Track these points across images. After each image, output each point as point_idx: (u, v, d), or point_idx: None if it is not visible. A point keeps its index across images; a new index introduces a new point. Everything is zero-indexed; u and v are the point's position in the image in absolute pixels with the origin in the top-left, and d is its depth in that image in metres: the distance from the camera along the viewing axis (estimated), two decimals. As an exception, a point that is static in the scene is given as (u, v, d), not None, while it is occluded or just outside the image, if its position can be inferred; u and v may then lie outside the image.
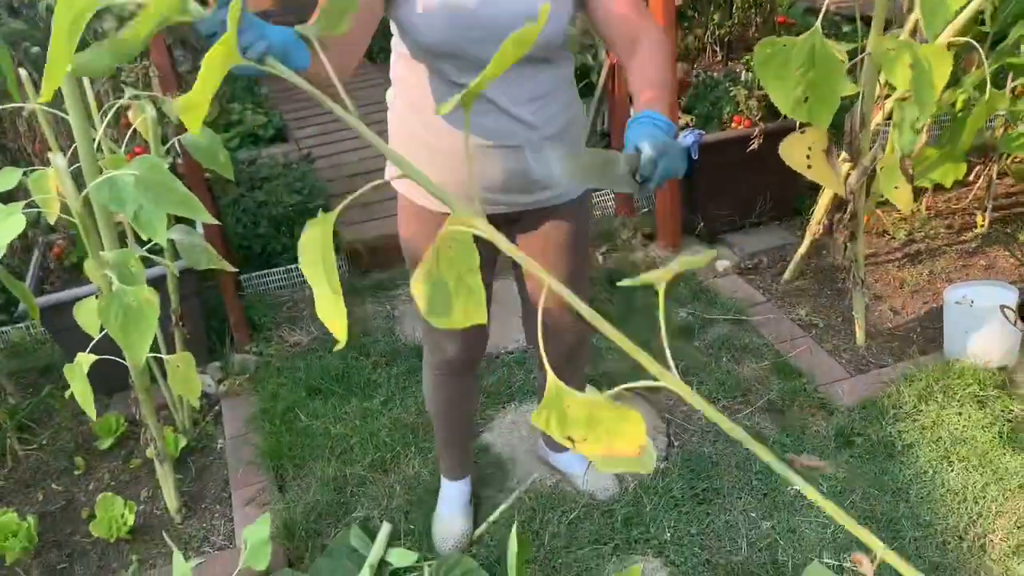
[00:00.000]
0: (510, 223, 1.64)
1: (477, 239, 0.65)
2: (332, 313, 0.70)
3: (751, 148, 2.76)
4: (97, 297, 1.80)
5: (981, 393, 2.18)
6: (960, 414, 2.13)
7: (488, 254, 1.67)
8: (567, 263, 1.68)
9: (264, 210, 3.18)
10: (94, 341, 1.79)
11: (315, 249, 0.70)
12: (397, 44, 1.49)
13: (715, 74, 3.28)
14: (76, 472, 2.33)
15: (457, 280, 0.70)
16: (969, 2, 1.97)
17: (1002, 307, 2.18)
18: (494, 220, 1.64)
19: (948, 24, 2.04)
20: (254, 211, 3.20)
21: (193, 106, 0.70)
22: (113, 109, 1.87)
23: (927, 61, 1.68)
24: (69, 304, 1.88)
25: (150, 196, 1.54)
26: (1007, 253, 2.81)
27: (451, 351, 1.76)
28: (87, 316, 1.81)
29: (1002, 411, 2.13)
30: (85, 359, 1.79)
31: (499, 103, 1.43)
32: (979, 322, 2.24)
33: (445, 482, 2.04)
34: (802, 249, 2.76)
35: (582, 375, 2.00)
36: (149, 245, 2.04)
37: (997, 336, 2.23)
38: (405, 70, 1.49)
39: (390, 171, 1.62)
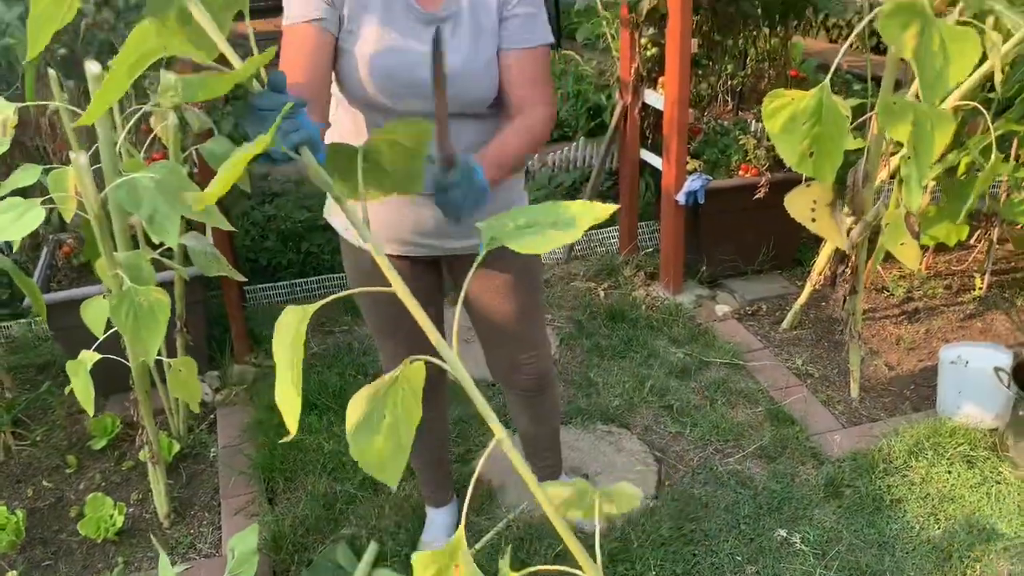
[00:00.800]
0: (453, 263, 1.68)
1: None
2: (287, 404, 0.73)
3: (757, 196, 2.81)
4: (105, 297, 1.83)
5: (971, 453, 2.19)
6: (950, 472, 2.15)
7: (430, 287, 1.71)
8: (513, 302, 1.69)
9: (273, 224, 3.22)
10: (98, 342, 1.81)
11: (287, 334, 0.72)
12: (335, 90, 1.52)
13: (725, 122, 3.33)
14: (68, 470, 2.33)
15: (391, 427, 0.72)
16: (970, 75, 2.01)
17: (996, 369, 2.21)
18: (435, 261, 1.69)
19: (947, 96, 2.09)
20: (263, 224, 3.24)
21: (210, 198, 0.74)
22: (137, 115, 1.91)
23: (930, 121, 1.72)
24: (75, 303, 1.91)
25: (167, 199, 1.57)
26: (1004, 317, 2.84)
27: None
28: (94, 315, 1.84)
29: (991, 472, 2.14)
30: (89, 356, 1.81)
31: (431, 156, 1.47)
32: (973, 383, 2.26)
33: (429, 509, 2.05)
34: (802, 299, 2.79)
35: (553, 413, 1.99)
36: (160, 249, 2.07)
37: (990, 398, 2.25)
38: (342, 114, 1.53)
39: (328, 209, 1.70)
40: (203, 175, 2.41)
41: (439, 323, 1.83)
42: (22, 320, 2.98)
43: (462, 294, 0.86)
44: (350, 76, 1.43)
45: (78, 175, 1.66)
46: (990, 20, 2.04)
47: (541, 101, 1.49)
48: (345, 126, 1.54)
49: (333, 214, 1.67)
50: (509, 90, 1.48)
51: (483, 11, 1.45)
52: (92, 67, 1.64)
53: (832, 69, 1.86)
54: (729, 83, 3.90)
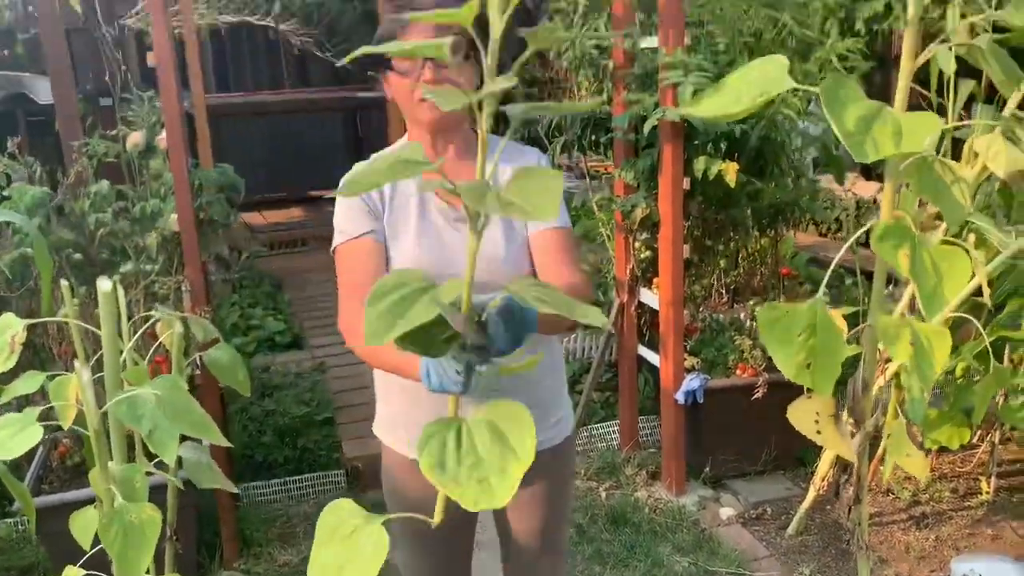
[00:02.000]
0: None
1: None
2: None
3: (755, 397, 2.81)
4: (95, 507, 1.79)
5: (995, 677, 2.07)
6: None
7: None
8: (540, 517, 1.67)
9: (271, 419, 3.20)
10: (85, 556, 1.75)
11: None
12: None
13: (722, 316, 3.39)
14: None
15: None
16: (964, 288, 2.07)
17: (1012, 584, 2.13)
18: None
19: (944, 310, 2.14)
20: (261, 419, 3.23)
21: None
22: (145, 325, 1.95)
23: (927, 339, 1.75)
24: (65, 507, 1.87)
25: (168, 416, 1.57)
26: (1015, 523, 2.77)
27: None
28: (83, 526, 1.78)
29: None
30: (73, 573, 1.75)
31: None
32: (989, 598, 2.17)
33: None
34: (806, 504, 2.73)
35: None
36: (157, 460, 2.05)
37: (1009, 614, 2.16)
38: None
39: (377, 425, 1.72)
40: (205, 381, 2.42)
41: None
42: (8, 520, 2.90)
43: None
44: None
45: (80, 390, 1.67)
46: (971, 237, 2.12)
47: (573, 280, 1.51)
48: None
49: (385, 430, 1.68)
50: (542, 272, 1.53)
51: None
52: (103, 284, 1.68)
53: (824, 281, 1.92)
54: (724, 280, 4.01)
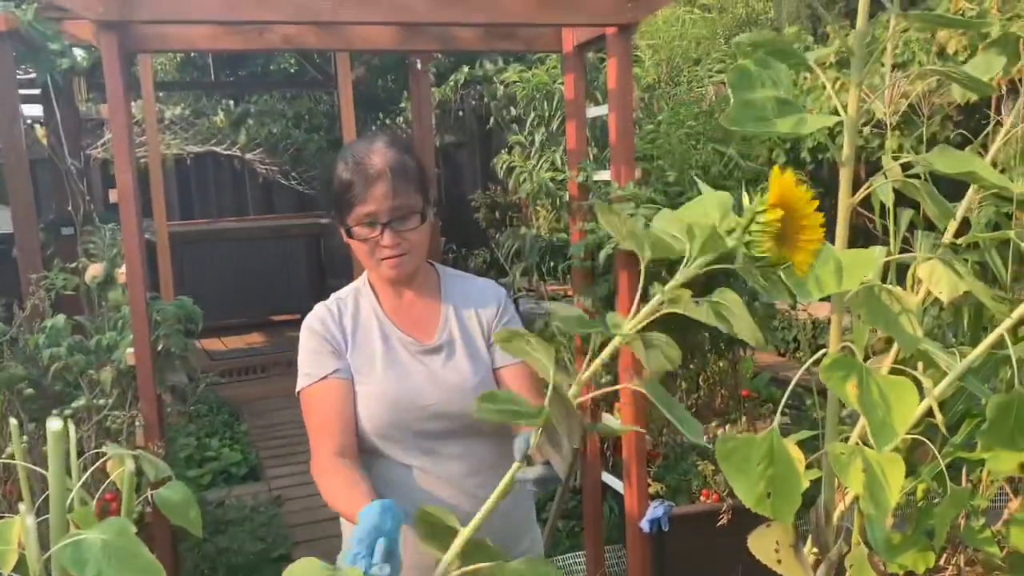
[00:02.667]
0: None
1: None
2: None
3: (720, 523, 2.79)
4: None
5: None
6: None
7: None
8: None
9: (224, 557, 3.09)
10: None
11: None
12: None
13: (685, 440, 3.39)
14: None
15: None
16: (912, 418, 2.11)
17: None
18: None
19: (895, 441, 2.17)
20: (213, 558, 3.12)
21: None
22: (94, 465, 1.90)
23: (880, 467, 1.76)
24: (0, 666, 1.76)
25: (114, 563, 1.52)
26: (988, 648, 2.72)
27: None
28: None
29: None
30: None
31: (445, 477, 1.55)
32: None
33: None
34: (777, 636, 2.66)
35: None
36: (100, 605, 1.96)
37: None
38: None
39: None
40: (156, 519, 2.35)
41: None
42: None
43: None
44: (362, 412, 1.54)
45: (24, 535, 1.61)
46: (920, 364, 2.18)
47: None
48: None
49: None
50: None
51: (472, 337, 1.62)
52: (52, 424, 1.65)
53: (779, 409, 1.94)
54: (685, 402, 4.03)
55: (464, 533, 1.01)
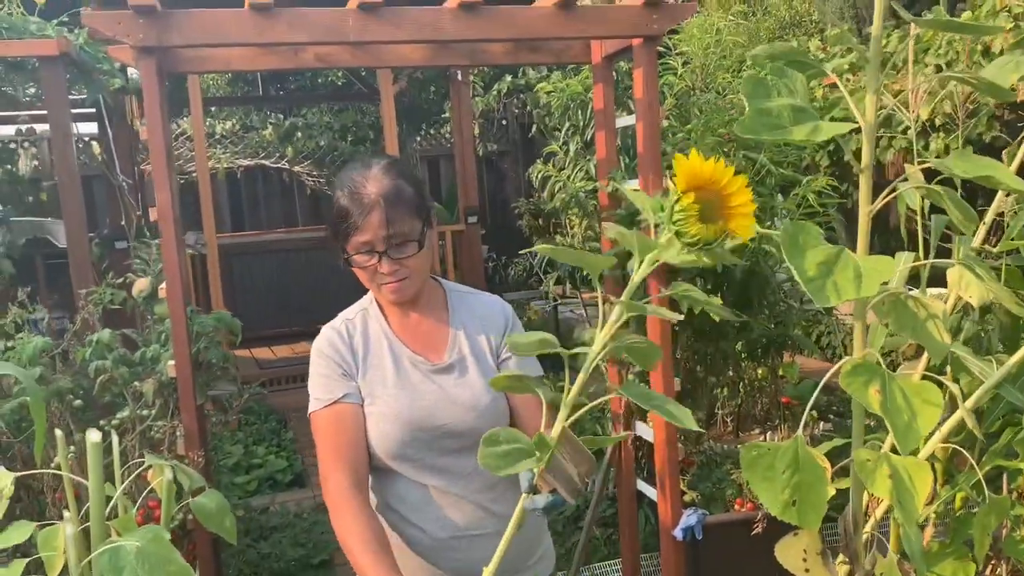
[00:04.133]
0: None
1: None
2: None
3: (755, 532, 2.77)
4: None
5: None
6: None
7: None
8: None
9: (266, 563, 3.17)
10: None
11: None
12: None
13: (724, 447, 3.38)
14: None
15: None
16: (943, 422, 2.08)
17: None
18: None
19: (920, 446, 2.14)
20: (257, 563, 3.19)
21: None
22: (135, 473, 1.97)
23: (907, 473, 1.74)
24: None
25: (148, 567, 1.58)
26: (1034, 661, 2.66)
27: None
28: None
29: None
30: None
31: (459, 494, 1.54)
32: None
33: None
34: (813, 643, 2.63)
35: None
36: (141, 608, 2.03)
37: None
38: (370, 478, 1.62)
39: None
40: (198, 525, 2.42)
41: None
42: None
43: None
44: (374, 433, 1.55)
45: (65, 543, 1.68)
46: (949, 370, 2.14)
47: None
48: (371, 486, 1.61)
49: None
50: (519, 423, 1.60)
51: (483, 355, 1.63)
52: (92, 435, 1.72)
53: (804, 419, 1.94)
54: (726, 408, 4.01)
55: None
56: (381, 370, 1.57)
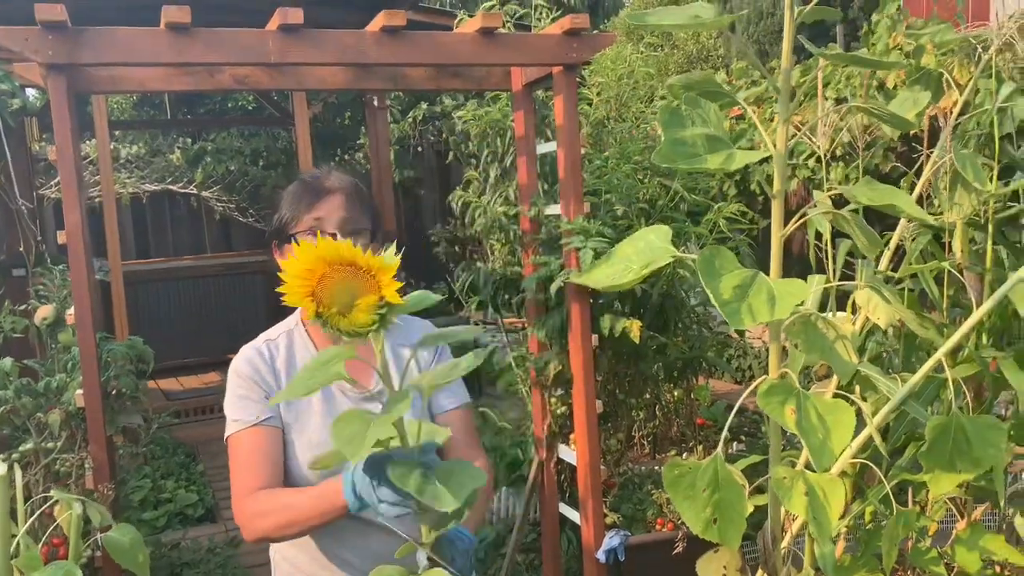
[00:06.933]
0: None
1: None
2: None
3: (675, 552, 2.81)
4: None
5: None
6: None
7: None
8: None
9: (179, 602, 3.04)
10: None
11: None
12: None
13: (643, 468, 3.43)
14: None
15: None
16: (856, 435, 2.17)
17: None
18: None
19: (834, 463, 2.23)
20: (168, 602, 3.06)
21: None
22: (40, 510, 1.88)
23: (821, 490, 1.81)
24: None
25: (58, 608, 1.50)
26: (939, 668, 2.76)
27: None
28: None
29: None
30: None
31: (382, 523, 1.51)
32: None
33: None
34: (733, 660, 2.68)
35: None
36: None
37: None
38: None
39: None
40: (106, 563, 2.32)
41: None
42: None
43: None
44: (295, 462, 1.50)
45: (-35, 584, 1.59)
46: (857, 387, 2.24)
47: (476, 457, 1.61)
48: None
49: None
50: (445, 451, 1.56)
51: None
52: (-2, 468, 1.64)
53: (723, 438, 1.99)
54: (643, 431, 4.08)
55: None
56: (310, 401, 1.52)
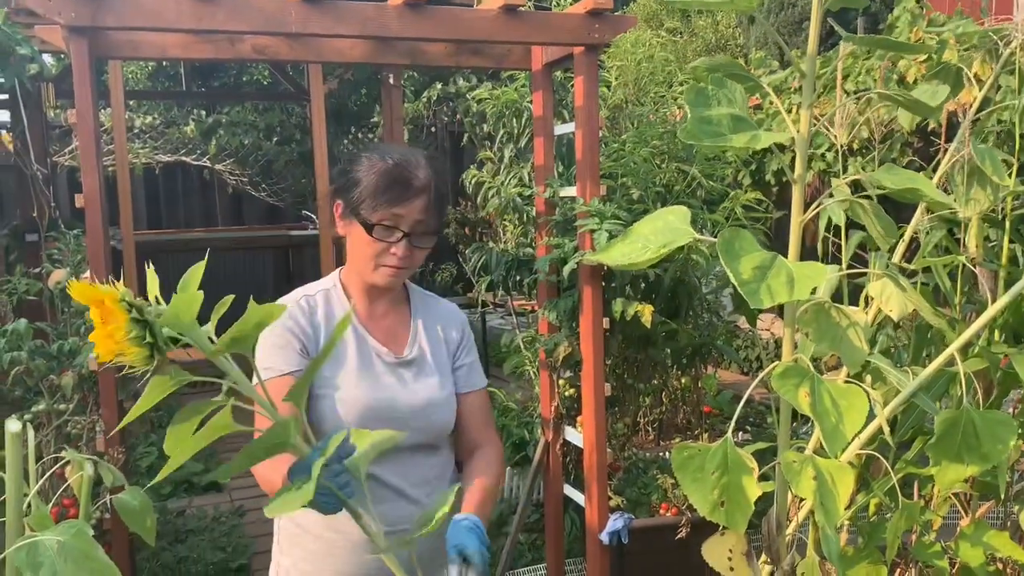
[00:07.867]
0: None
1: None
2: None
3: (679, 536, 2.83)
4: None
5: None
6: None
7: None
8: None
9: (183, 566, 3.07)
10: None
11: None
12: None
13: (648, 453, 3.44)
14: None
15: None
16: (864, 427, 2.17)
17: None
18: None
19: (846, 447, 2.23)
20: (173, 567, 3.09)
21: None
22: (52, 469, 1.90)
23: (830, 475, 1.81)
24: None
25: (70, 564, 1.51)
26: (937, 661, 2.77)
27: None
28: None
29: None
30: None
31: (396, 487, 1.54)
32: None
33: None
34: (732, 645, 2.69)
35: None
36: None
37: None
38: None
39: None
40: (115, 526, 2.34)
41: None
42: None
43: None
44: (327, 417, 1.51)
45: (-22, 538, 1.60)
46: (868, 378, 2.24)
47: (492, 439, 1.68)
48: None
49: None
50: (463, 429, 1.65)
51: (441, 355, 1.66)
52: (11, 425, 1.65)
53: (734, 420, 1.99)
54: (649, 417, 4.08)
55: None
56: (343, 355, 1.55)
